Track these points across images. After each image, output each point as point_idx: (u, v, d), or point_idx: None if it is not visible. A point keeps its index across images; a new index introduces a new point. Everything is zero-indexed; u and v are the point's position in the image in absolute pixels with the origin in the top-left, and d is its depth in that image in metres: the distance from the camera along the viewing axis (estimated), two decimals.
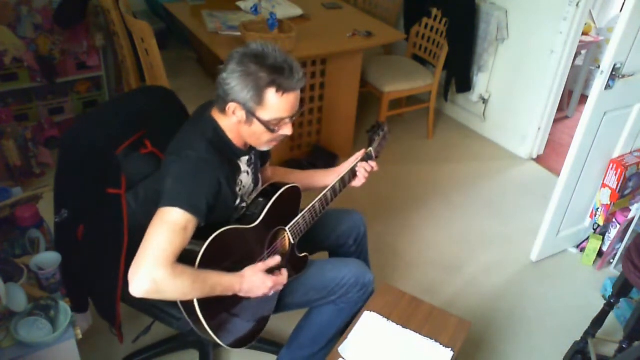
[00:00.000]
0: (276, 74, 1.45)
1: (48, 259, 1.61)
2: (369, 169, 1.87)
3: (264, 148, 1.64)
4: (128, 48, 2.98)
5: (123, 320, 1.79)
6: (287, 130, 1.56)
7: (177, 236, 1.39)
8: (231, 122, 1.54)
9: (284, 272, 1.64)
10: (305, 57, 2.90)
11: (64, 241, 1.69)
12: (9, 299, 1.46)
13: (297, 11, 3.30)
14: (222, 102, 1.51)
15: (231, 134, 1.57)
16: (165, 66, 2.65)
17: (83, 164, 1.61)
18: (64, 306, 1.52)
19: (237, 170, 1.63)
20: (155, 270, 1.35)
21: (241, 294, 1.54)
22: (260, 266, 1.57)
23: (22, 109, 3.21)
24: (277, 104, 1.48)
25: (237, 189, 1.64)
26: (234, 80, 1.45)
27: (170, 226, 1.39)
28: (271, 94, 1.46)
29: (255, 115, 1.49)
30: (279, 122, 1.52)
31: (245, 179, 1.68)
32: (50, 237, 1.79)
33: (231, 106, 1.49)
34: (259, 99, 1.46)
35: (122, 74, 3.41)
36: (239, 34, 2.88)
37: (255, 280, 1.54)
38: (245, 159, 1.66)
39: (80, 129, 1.68)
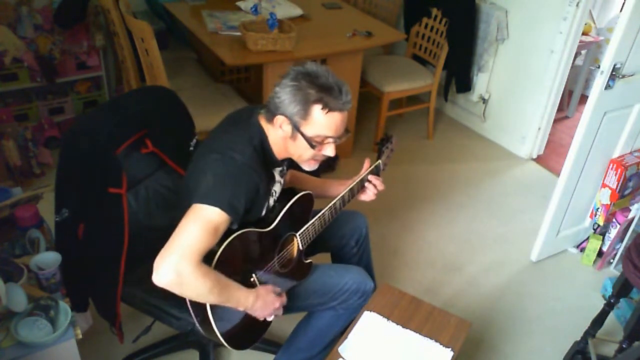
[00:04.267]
0: (324, 92, 1.49)
1: (48, 259, 1.61)
2: (379, 188, 1.89)
3: (305, 167, 1.65)
4: (128, 48, 2.98)
5: (123, 320, 1.79)
6: (329, 150, 1.60)
7: (209, 234, 1.41)
8: (277, 135, 1.56)
9: (284, 297, 1.65)
10: (305, 57, 2.89)
11: (64, 240, 1.69)
12: (9, 299, 1.46)
13: (297, 11, 3.30)
14: (270, 114, 1.54)
15: (275, 146, 1.59)
16: (165, 66, 2.65)
17: (84, 163, 1.61)
18: (64, 306, 1.52)
19: (272, 180, 1.65)
20: (181, 263, 1.36)
21: (249, 311, 1.55)
22: (272, 287, 1.61)
23: (22, 109, 3.21)
24: (322, 121, 1.52)
25: (271, 199, 1.67)
26: (284, 94, 1.50)
27: (204, 223, 1.40)
28: (317, 110, 1.50)
29: (300, 130, 1.52)
30: (322, 139, 1.56)
31: (278, 188, 1.71)
32: (50, 237, 1.79)
33: (279, 119, 1.52)
34: (305, 113, 1.50)
35: (122, 74, 3.41)
36: (239, 34, 2.88)
37: (267, 300, 1.57)
38: (278, 169, 1.69)
39: (81, 129, 1.68)
